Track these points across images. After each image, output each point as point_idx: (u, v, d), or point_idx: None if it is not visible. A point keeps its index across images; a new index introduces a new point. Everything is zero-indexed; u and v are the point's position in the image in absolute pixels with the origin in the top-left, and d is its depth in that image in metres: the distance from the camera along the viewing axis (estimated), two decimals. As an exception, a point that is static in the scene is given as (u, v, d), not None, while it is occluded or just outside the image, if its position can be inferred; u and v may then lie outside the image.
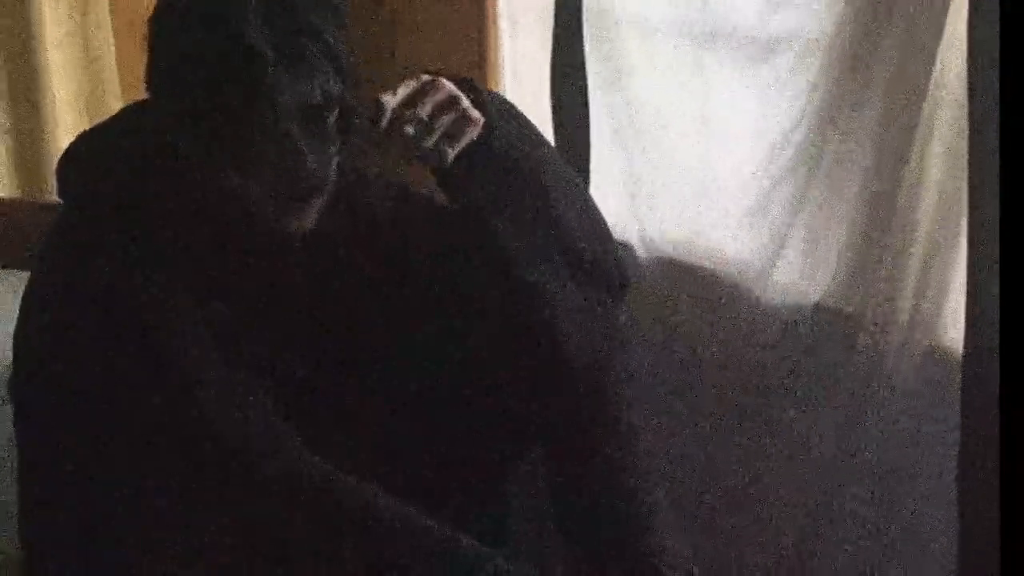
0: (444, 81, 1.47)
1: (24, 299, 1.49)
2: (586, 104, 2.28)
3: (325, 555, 1.37)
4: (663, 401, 2.11)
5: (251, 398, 1.42)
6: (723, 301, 2.14)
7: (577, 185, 1.62)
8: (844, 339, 1.98)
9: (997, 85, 1.55)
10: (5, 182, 2.33)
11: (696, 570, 1.53)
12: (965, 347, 1.76)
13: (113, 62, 2.39)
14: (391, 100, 1.44)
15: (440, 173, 1.50)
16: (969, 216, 1.73)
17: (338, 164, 1.46)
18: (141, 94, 1.48)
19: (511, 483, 1.61)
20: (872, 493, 1.96)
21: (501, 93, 2.22)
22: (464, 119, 1.47)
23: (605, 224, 1.59)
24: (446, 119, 1.46)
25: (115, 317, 1.41)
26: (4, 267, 1.93)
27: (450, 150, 1.46)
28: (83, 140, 1.55)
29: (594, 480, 1.54)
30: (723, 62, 2.09)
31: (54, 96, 2.32)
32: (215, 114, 1.40)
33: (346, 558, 1.38)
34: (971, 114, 1.69)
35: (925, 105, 1.80)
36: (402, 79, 1.46)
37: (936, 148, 1.80)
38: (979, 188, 1.69)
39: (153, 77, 1.45)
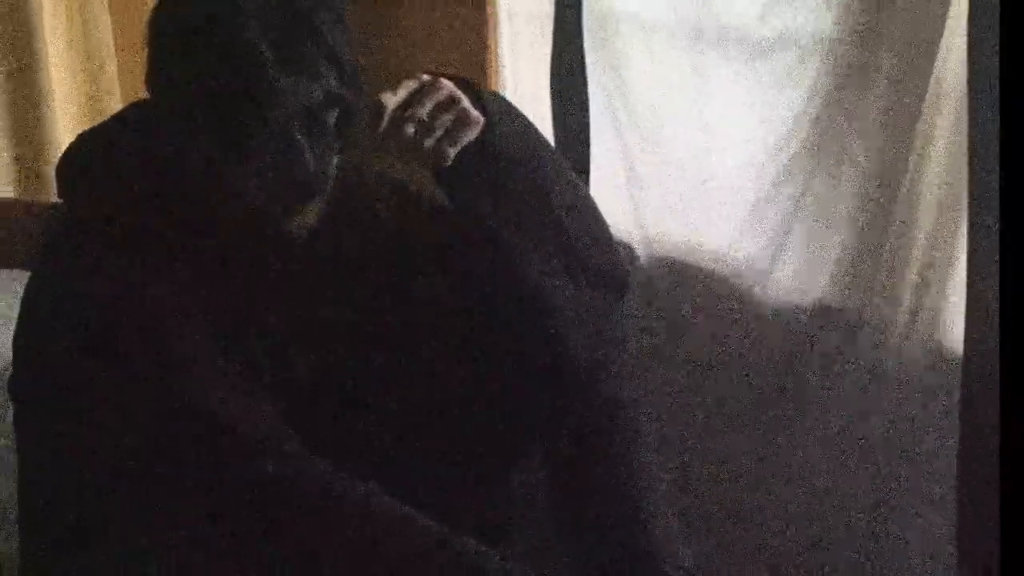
0: (444, 81, 1.47)
1: (24, 299, 1.48)
2: (586, 104, 2.28)
3: (323, 554, 1.37)
4: (663, 400, 2.11)
5: (252, 398, 1.42)
6: (723, 301, 2.14)
7: (577, 185, 1.62)
8: (844, 339, 1.98)
9: (997, 85, 1.55)
10: (5, 182, 2.33)
11: (697, 570, 1.53)
12: (965, 347, 1.77)
13: (113, 62, 2.39)
14: (391, 100, 1.43)
15: (440, 173, 1.50)
16: (969, 216, 1.73)
17: (338, 164, 1.46)
18: (141, 94, 1.48)
19: (511, 483, 1.61)
20: (872, 492, 1.96)
21: (501, 93, 2.22)
22: (464, 119, 1.47)
23: (605, 224, 1.58)
24: (446, 119, 1.46)
25: (115, 317, 1.40)
26: (4, 267, 1.92)
27: (450, 150, 1.46)
28: (83, 140, 1.55)
29: (594, 480, 1.54)
30: (723, 62, 2.09)
31: (54, 96, 2.32)
32: (215, 114, 1.40)
33: (345, 557, 1.38)
34: (971, 114, 1.69)
35: (925, 105, 1.80)
36: (402, 79, 1.46)
37: (936, 148, 1.81)
38: (979, 189, 1.69)
39: (153, 77, 1.45)
